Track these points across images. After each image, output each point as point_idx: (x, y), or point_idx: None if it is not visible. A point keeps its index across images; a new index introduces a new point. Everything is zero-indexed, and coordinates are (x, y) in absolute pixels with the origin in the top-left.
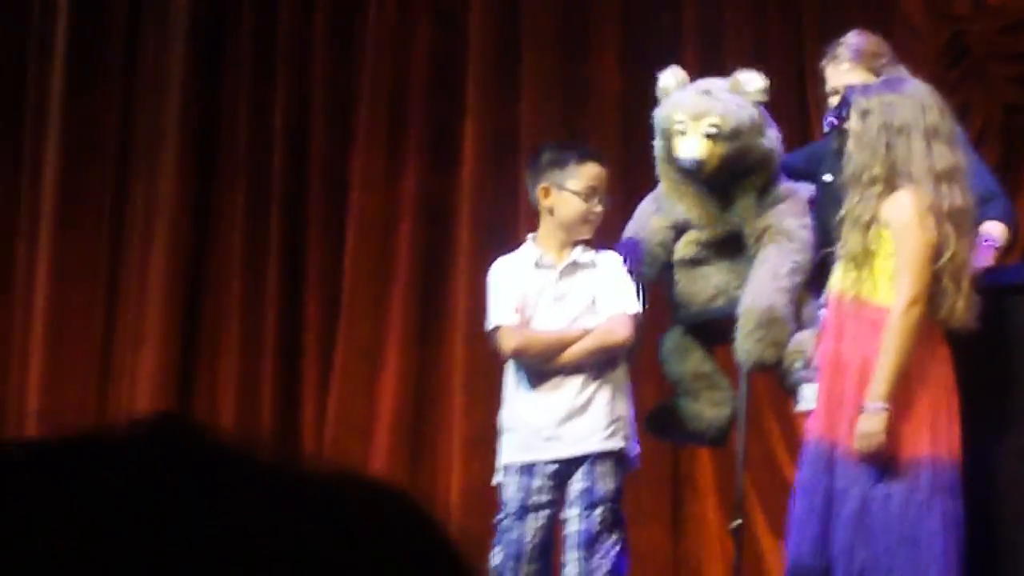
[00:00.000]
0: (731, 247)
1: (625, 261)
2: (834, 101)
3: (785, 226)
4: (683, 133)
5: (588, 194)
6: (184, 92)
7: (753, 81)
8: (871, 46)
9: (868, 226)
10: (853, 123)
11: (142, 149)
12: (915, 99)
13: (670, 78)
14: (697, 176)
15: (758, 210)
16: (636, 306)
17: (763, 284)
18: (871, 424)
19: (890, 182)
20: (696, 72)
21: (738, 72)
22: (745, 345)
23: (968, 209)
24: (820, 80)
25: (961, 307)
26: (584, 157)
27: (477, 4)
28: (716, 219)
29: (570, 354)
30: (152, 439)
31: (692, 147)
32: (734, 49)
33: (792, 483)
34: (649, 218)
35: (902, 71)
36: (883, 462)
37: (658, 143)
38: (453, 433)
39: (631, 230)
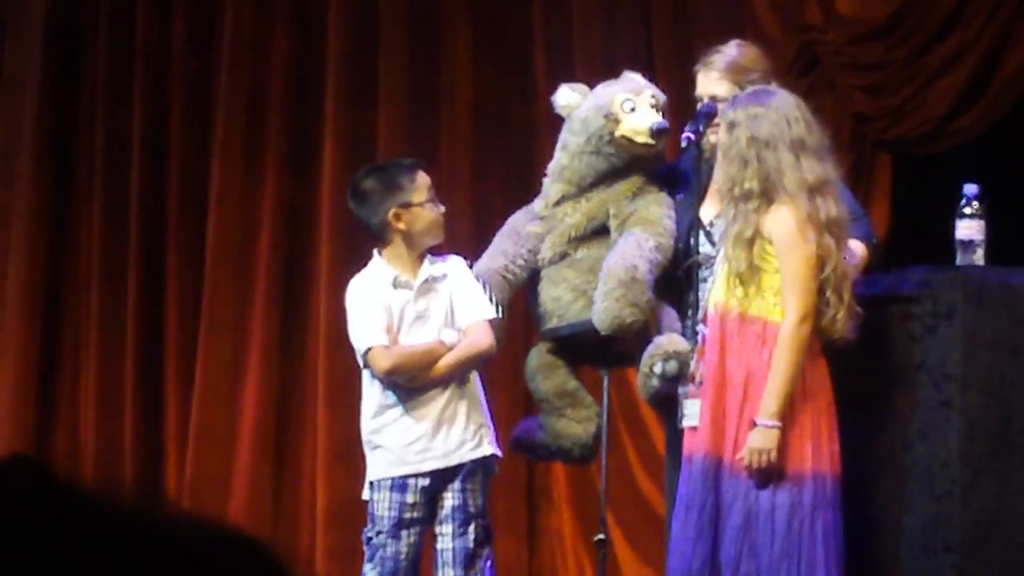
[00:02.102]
0: (593, 243)
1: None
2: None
3: (651, 213)
4: (633, 110)
5: (432, 200)
6: (40, 99)
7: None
8: (745, 60)
9: (752, 242)
10: (721, 135)
11: None
12: (780, 112)
13: (573, 94)
14: (648, 153)
15: (619, 196)
16: (492, 311)
17: (627, 250)
18: (763, 440)
19: (767, 195)
20: (545, 78)
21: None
22: (604, 303)
23: (843, 220)
24: (672, 88)
25: (842, 319)
26: (413, 169)
27: (334, 12)
28: (593, 214)
29: (441, 368)
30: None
31: (654, 115)
32: (584, 57)
33: (646, 496)
34: (523, 226)
35: (773, 86)
36: (770, 477)
37: (583, 139)
38: (317, 446)
39: (499, 245)
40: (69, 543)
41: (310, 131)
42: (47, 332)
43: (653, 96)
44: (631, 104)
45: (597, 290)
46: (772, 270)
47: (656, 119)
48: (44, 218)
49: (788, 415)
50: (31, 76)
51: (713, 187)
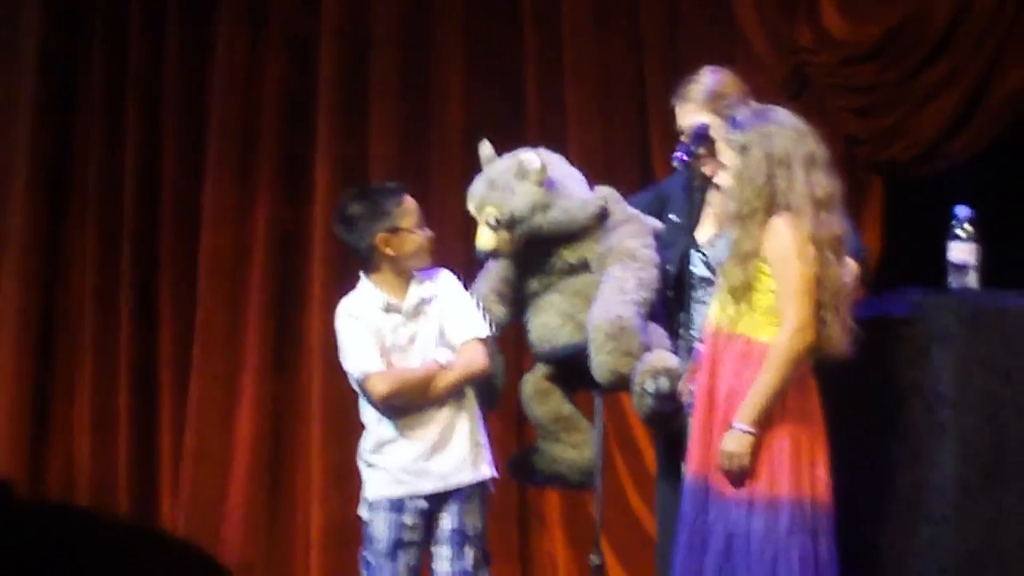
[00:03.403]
0: (576, 275)
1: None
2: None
3: (627, 246)
4: (477, 224)
5: (420, 225)
6: (34, 124)
7: (530, 163)
8: (719, 87)
9: (750, 258)
10: (733, 160)
11: None
12: (791, 127)
13: (484, 150)
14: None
15: (595, 236)
16: (485, 329)
17: (609, 298)
18: (735, 444)
19: (769, 211)
20: (537, 104)
21: (519, 152)
22: (598, 358)
23: (844, 236)
24: (663, 112)
25: (837, 335)
26: (399, 194)
27: (325, 38)
28: (558, 256)
29: (437, 389)
30: None
31: (481, 239)
32: (576, 81)
33: (639, 518)
34: (494, 262)
35: (752, 106)
36: (743, 485)
37: None
38: (311, 466)
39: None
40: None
41: (302, 156)
42: (42, 354)
43: (493, 216)
44: (475, 218)
45: (589, 344)
46: (764, 289)
47: (480, 246)
48: (38, 242)
49: (766, 436)
50: (26, 102)
51: (710, 210)
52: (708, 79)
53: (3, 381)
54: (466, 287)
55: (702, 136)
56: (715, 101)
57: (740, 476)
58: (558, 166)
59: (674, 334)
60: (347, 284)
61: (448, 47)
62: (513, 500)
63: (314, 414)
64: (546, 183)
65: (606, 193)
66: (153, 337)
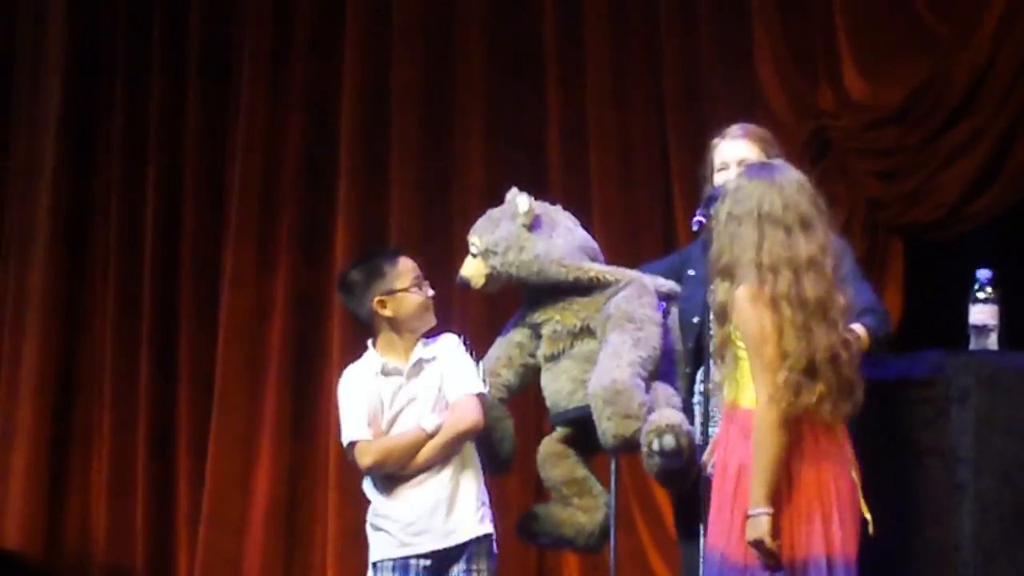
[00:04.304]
0: (586, 339)
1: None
2: (720, 177)
3: (623, 309)
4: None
5: (417, 284)
6: (54, 186)
7: (521, 203)
8: (766, 134)
9: (723, 319)
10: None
11: (12, 242)
12: (788, 185)
13: (509, 195)
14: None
15: (597, 304)
16: (480, 386)
17: (605, 365)
18: (755, 530)
19: (731, 274)
20: (559, 162)
21: (520, 193)
22: (601, 427)
23: (830, 301)
24: (686, 174)
25: (831, 400)
26: (393, 256)
27: (346, 98)
28: (563, 316)
29: (427, 453)
30: None
31: (463, 266)
32: (598, 139)
33: None
34: (511, 326)
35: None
36: (780, 565)
37: None
38: (328, 528)
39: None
40: None
41: (322, 217)
42: (59, 415)
43: (473, 244)
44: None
45: (593, 412)
46: (745, 357)
47: (461, 272)
48: (58, 302)
49: (776, 501)
50: (46, 165)
51: None
52: (752, 125)
53: (20, 442)
54: (487, 345)
55: (718, 199)
56: (762, 141)
57: (773, 558)
58: (560, 220)
59: (688, 390)
60: (366, 347)
61: (469, 108)
62: (531, 560)
63: (331, 477)
64: (533, 226)
65: (607, 269)
66: (171, 399)
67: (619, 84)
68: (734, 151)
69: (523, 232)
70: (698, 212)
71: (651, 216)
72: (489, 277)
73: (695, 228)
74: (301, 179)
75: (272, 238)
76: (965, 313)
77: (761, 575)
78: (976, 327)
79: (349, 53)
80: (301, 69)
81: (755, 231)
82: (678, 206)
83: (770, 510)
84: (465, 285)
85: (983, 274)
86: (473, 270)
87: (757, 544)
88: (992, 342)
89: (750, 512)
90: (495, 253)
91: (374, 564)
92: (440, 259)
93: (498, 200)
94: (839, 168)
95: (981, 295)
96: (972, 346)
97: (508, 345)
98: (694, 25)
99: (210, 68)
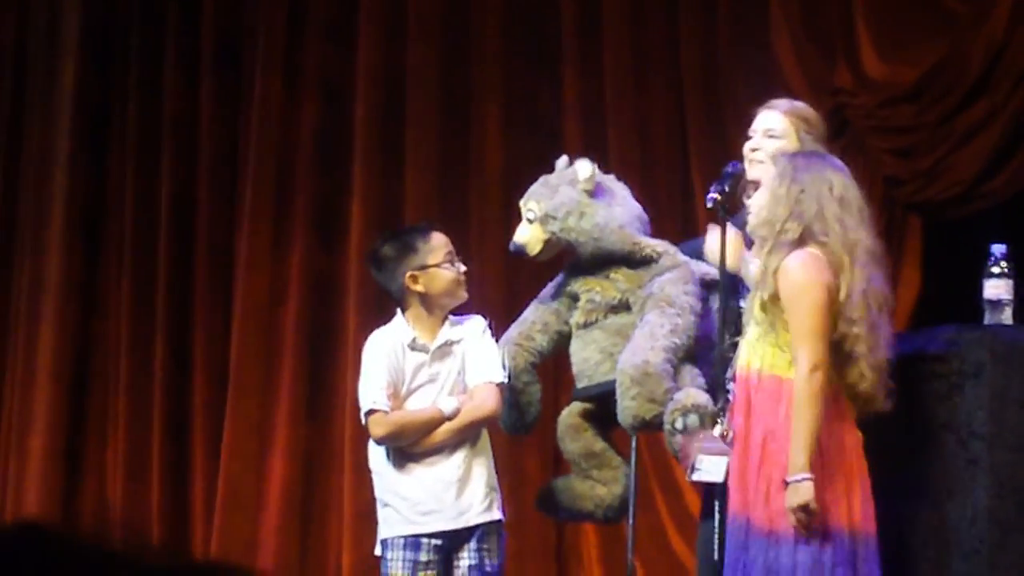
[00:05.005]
0: (621, 313)
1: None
2: (755, 144)
3: (667, 292)
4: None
5: (450, 260)
6: (69, 170)
7: (581, 170)
8: (807, 111)
9: (760, 288)
10: (767, 177)
11: (27, 227)
12: (830, 168)
13: (560, 162)
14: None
15: (641, 280)
16: (501, 375)
17: (639, 344)
18: (798, 496)
19: (785, 243)
20: (577, 144)
21: (576, 160)
22: (622, 404)
23: (891, 295)
24: (704, 154)
25: (870, 380)
26: (427, 231)
27: (361, 80)
28: (603, 288)
29: (442, 433)
30: (7, 549)
31: (517, 232)
32: (616, 120)
33: (679, 557)
34: (551, 291)
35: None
36: (817, 531)
37: None
38: (343, 510)
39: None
40: None
41: (337, 200)
42: (76, 398)
43: (530, 210)
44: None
45: (617, 387)
46: (784, 325)
47: (514, 239)
48: (73, 288)
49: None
50: (60, 149)
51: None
52: (801, 103)
53: (37, 426)
54: (503, 328)
55: (734, 175)
56: (799, 119)
57: (814, 524)
58: (617, 190)
59: (720, 369)
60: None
61: (486, 90)
62: (551, 538)
63: (346, 460)
64: (594, 193)
65: (659, 244)
66: (187, 382)
67: (637, 66)
68: (764, 120)
69: (584, 198)
70: (712, 189)
71: (670, 199)
72: (547, 243)
73: (709, 205)
74: (316, 163)
75: (287, 222)
76: (980, 288)
77: (787, 541)
78: (991, 301)
79: (364, 36)
80: (316, 53)
81: (829, 205)
82: (697, 189)
83: (812, 475)
84: (520, 252)
85: (998, 248)
86: (530, 236)
87: (801, 509)
88: (1007, 316)
89: (790, 478)
90: (555, 218)
91: (383, 541)
92: (456, 243)
93: (514, 185)
94: (856, 146)
95: (996, 269)
96: (987, 320)
97: (546, 311)
98: (711, 5)
99: (224, 53)
